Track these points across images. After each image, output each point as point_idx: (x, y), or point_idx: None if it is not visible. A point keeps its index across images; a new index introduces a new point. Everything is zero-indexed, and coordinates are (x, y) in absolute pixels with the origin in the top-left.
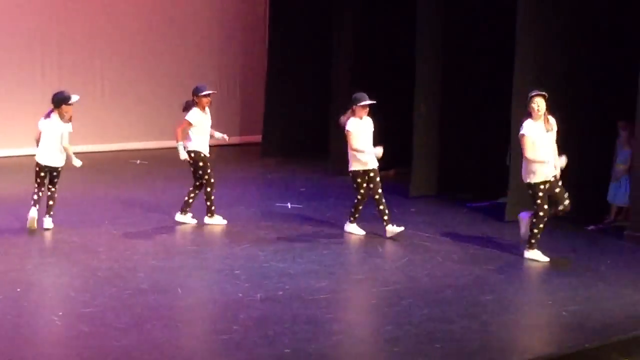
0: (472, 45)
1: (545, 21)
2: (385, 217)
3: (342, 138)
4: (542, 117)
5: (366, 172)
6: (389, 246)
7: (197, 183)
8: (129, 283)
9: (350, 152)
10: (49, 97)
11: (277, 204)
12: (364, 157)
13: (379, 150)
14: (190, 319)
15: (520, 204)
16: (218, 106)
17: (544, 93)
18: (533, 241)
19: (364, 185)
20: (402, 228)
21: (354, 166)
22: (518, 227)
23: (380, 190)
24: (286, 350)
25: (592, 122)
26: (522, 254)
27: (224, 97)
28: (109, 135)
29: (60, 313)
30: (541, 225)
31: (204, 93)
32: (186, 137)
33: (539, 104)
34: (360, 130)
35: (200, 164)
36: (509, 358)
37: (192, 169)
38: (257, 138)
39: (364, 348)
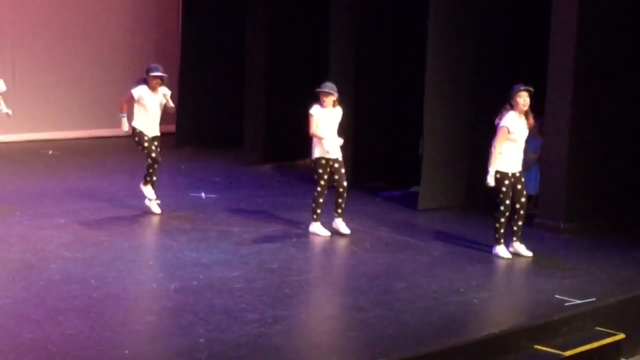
0: (386, 35)
1: (456, 12)
2: (340, 211)
3: (258, 127)
4: (524, 112)
5: (329, 161)
6: (303, 236)
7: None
8: (42, 274)
9: (314, 140)
10: None
11: (191, 194)
12: (325, 145)
13: (338, 140)
14: (104, 310)
15: (433, 193)
16: None
17: (530, 88)
18: (497, 236)
19: (325, 177)
20: (349, 231)
21: (316, 153)
22: (430, 216)
23: (345, 184)
24: (200, 340)
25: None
26: (432, 241)
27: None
28: (20, 125)
29: None
30: (502, 220)
31: (152, 74)
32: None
33: (525, 98)
34: (322, 117)
35: (137, 139)
36: (422, 345)
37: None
38: (171, 128)
39: (278, 338)
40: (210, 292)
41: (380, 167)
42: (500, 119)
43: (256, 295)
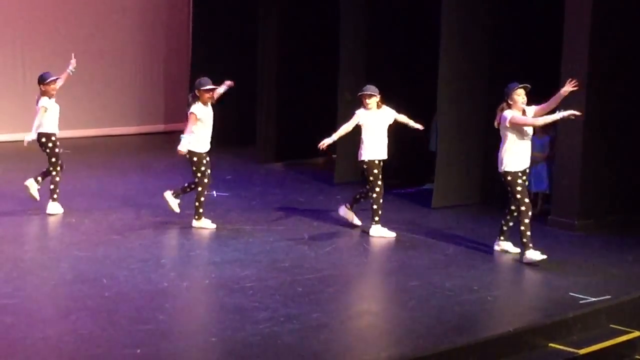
0: (398, 32)
1: (471, 8)
2: (356, 205)
3: (270, 125)
4: (522, 111)
5: (380, 162)
6: (315, 234)
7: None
8: (53, 274)
9: (363, 141)
10: None
11: None
12: (374, 147)
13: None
14: (115, 309)
15: (447, 191)
16: (141, 94)
17: (527, 85)
18: (525, 240)
19: (380, 177)
20: (360, 223)
21: (366, 155)
22: (443, 214)
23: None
24: (212, 339)
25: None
26: (446, 239)
27: (148, 84)
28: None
29: None
30: (527, 221)
31: (204, 88)
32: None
33: (523, 96)
34: (368, 120)
35: (195, 159)
36: (437, 343)
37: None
38: (182, 126)
39: (290, 336)
40: (222, 290)
41: (393, 165)
42: (501, 119)
43: (268, 294)
